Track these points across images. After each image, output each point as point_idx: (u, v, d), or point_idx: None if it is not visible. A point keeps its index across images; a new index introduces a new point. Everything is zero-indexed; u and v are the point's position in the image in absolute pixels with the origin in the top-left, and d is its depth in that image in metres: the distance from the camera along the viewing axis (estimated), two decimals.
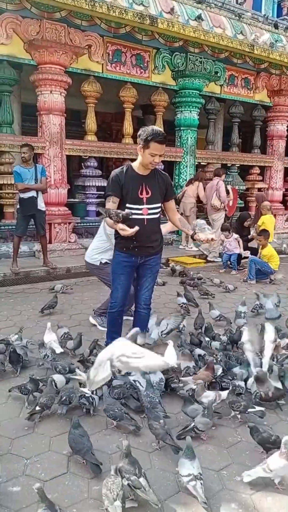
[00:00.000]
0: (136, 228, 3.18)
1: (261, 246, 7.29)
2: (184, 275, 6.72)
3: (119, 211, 3.24)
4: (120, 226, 3.18)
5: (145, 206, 3.38)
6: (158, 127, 3.32)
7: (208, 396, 2.87)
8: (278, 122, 11.20)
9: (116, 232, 3.53)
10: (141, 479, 2.08)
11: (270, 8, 12.04)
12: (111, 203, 3.35)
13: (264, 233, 7.18)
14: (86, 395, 2.86)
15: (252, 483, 2.29)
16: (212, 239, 3.68)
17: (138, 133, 3.30)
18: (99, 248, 4.45)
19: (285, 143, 11.50)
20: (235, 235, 7.56)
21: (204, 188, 8.78)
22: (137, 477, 2.07)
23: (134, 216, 3.35)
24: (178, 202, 8.94)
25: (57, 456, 2.48)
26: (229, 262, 7.56)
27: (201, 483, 2.14)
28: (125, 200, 3.36)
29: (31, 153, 6.48)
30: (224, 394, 2.92)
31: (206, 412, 2.62)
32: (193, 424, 2.60)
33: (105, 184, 8.55)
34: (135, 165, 3.41)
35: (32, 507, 2.08)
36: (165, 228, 4.07)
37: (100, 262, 4.44)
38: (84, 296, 5.70)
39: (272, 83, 10.71)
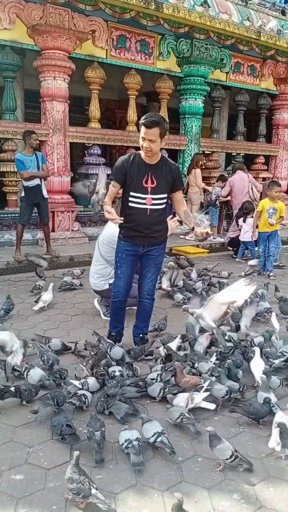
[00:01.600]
0: (120, 220, 3.20)
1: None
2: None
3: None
4: (108, 208, 3.20)
5: (149, 195, 3.35)
6: (158, 114, 3.30)
7: (180, 402, 2.77)
8: (284, 111, 11.08)
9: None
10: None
11: None
12: (111, 187, 3.39)
13: (275, 184, 6.61)
14: (78, 393, 2.80)
15: (253, 475, 2.30)
16: (207, 233, 3.62)
17: None
18: (103, 276, 4.43)
19: None
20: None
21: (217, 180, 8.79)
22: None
23: (137, 206, 3.33)
24: (185, 193, 8.92)
25: (59, 444, 2.48)
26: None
27: (166, 437, 2.39)
28: (128, 188, 3.34)
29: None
30: (198, 397, 2.74)
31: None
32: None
33: (109, 172, 8.50)
34: (142, 153, 3.38)
35: (35, 495, 2.09)
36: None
37: (109, 284, 4.30)
38: (87, 285, 5.67)
39: (278, 71, 10.57)
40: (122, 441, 2.38)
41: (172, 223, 4.28)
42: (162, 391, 2.90)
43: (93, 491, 1.99)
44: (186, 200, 8.83)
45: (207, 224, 3.72)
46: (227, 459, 2.27)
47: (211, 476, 2.26)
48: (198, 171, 8.70)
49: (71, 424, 2.47)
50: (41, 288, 5.18)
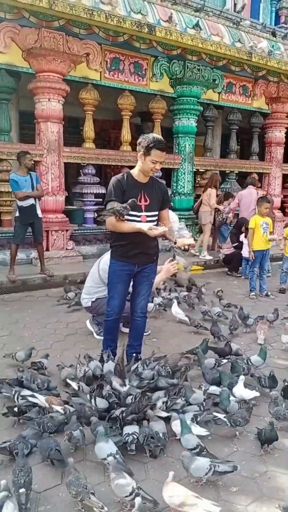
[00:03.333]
0: (165, 228, 3.24)
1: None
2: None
3: (122, 204, 3.26)
4: (149, 225, 3.23)
5: (144, 213, 3.38)
6: (158, 135, 3.36)
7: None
8: (276, 129, 11.23)
9: (114, 241, 3.52)
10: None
11: (268, 16, 12.07)
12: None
13: (264, 201, 6.57)
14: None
15: (247, 494, 2.27)
16: (189, 244, 3.61)
17: (139, 141, 3.33)
18: (89, 293, 4.55)
19: (283, 149, 11.54)
20: None
21: (226, 196, 8.84)
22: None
23: (132, 224, 3.34)
24: (196, 212, 8.91)
25: (50, 467, 2.45)
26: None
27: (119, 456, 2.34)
28: None
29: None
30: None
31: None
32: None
33: (103, 191, 8.60)
34: (134, 172, 3.43)
35: None
36: (159, 276, 4.07)
37: (92, 302, 4.50)
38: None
39: (270, 90, 10.76)
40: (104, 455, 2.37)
41: (170, 267, 4.39)
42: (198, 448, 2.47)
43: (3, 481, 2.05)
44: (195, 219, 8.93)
45: (189, 235, 3.71)
46: (126, 496, 2.08)
47: (203, 496, 2.22)
48: (213, 191, 8.58)
49: (59, 449, 2.43)
50: (69, 298, 5.49)
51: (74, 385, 3.01)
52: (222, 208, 8.79)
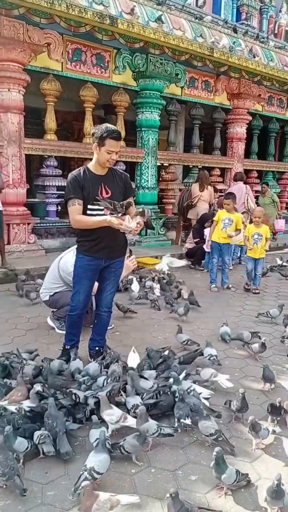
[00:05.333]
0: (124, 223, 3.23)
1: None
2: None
3: (120, 202, 3.27)
4: (115, 220, 3.19)
5: None
6: (111, 125, 3.31)
7: (112, 414, 2.64)
8: (237, 125, 11.42)
9: (80, 235, 3.48)
10: None
11: (229, 12, 12.20)
12: (77, 206, 3.28)
13: (226, 196, 6.68)
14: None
15: (206, 482, 2.33)
16: (139, 224, 3.49)
17: (92, 132, 3.31)
18: (47, 288, 4.54)
19: (244, 145, 11.75)
20: None
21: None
22: None
23: (97, 218, 3.32)
24: (192, 207, 8.78)
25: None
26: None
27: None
28: (85, 202, 3.32)
29: None
30: (131, 420, 2.65)
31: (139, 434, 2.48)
32: (121, 442, 2.46)
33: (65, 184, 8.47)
34: (91, 165, 3.38)
35: None
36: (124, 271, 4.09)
37: (50, 296, 4.51)
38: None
39: (231, 86, 10.91)
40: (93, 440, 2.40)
41: (129, 263, 4.38)
42: None
43: None
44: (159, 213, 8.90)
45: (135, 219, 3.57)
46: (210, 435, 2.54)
47: (163, 487, 2.27)
48: (212, 188, 8.77)
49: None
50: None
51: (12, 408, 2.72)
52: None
